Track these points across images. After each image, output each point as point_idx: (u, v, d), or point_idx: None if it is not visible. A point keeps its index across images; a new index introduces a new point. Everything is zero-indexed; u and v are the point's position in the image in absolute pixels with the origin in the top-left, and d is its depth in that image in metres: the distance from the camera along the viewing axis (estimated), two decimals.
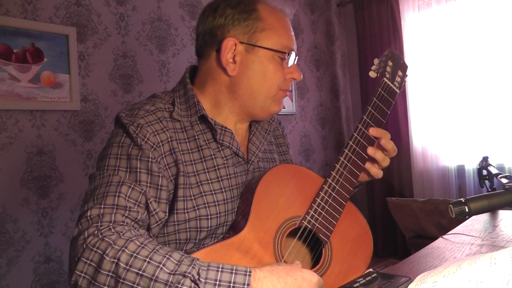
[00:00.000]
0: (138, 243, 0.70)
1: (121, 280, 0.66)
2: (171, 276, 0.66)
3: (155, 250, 0.70)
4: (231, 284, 0.67)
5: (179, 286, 0.66)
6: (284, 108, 3.53)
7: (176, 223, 0.85)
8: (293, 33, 0.98)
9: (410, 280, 0.70)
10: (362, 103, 3.89)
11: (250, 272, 0.69)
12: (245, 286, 0.68)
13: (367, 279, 0.75)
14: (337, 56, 4.12)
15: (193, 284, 0.66)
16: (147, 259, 0.68)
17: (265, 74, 0.92)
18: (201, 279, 0.67)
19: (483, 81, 3.11)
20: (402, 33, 3.52)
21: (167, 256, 0.69)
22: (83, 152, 2.32)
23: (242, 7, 0.92)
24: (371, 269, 0.92)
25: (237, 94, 0.94)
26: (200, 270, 0.67)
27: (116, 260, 0.67)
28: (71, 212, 2.25)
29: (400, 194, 3.57)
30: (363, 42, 3.79)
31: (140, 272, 0.67)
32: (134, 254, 0.68)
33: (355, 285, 0.73)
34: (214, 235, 0.89)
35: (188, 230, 0.86)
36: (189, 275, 0.66)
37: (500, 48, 3.03)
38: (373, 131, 0.97)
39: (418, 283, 0.64)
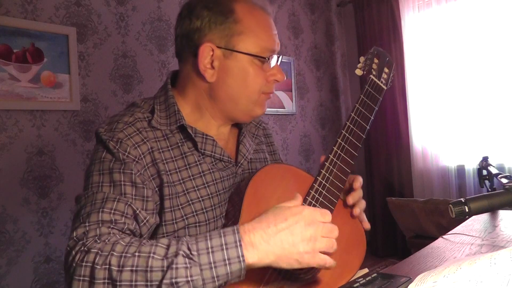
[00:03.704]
0: (124, 243, 0.68)
1: (118, 283, 0.65)
2: (164, 260, 0.64)
3: (142, 244, 0.68)
4: (223, 246, 0.66)
5: (174, 266, 0.64)
6: (284, 108, 3.53)
7: (165, 234, 0.83)
8: (274, 32, 0.92)
9: (410, 280, 0.70)
10: None
11: (237, 229, 0.68)
12: (238, 243, 0.66)
13: (367, 279, 0.75)
14: (337, 56, 4.12)
15: (187, 259, 0.64)
16: (136, 253, 0.66)
17: (245, 79, 0.88)
18: (193, 252, 0.65)
19: (483, 81, 3.11)
20: (402, 33, 3.52)
21: (155, 244, 0.67)
22: (83, 152, 2.32)
23: (218, 8, 0.87)
24: (366, 269, 0.92)
25: (217, 100, 0.91)
26: (189, 245, 0.66)
27: (107, 266, 0.65)
28: (71, 212, 2.25)
29: (400, 194, 3.57)
30: (363, 42, 3.79)
31: (134, 269, 0.65)
32: (123, 254, 0.66)
33: (355, 285, 0.73)
34: None
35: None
36: (181, 252, 0.65)
37: (500, 48, 3.03)
38: (349, 200, 0.95)
39: (418, 283, 0.64)
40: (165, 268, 0.64)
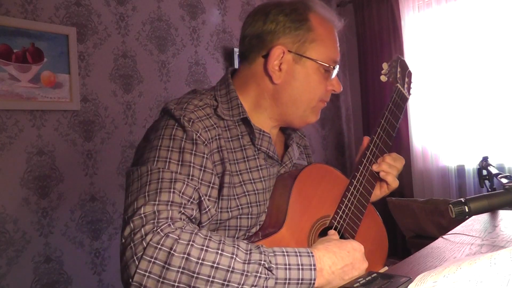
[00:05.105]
0: (203, 236, 0.70)
1: (195, 275, 0.66)
2: (246, 265, 0.68)
3: (222, 242, 0.70)
4: (300, 267, 0.72)
5: (257, 274, 0.68)
6: None
7: (218, 221, 0.85)
8: (338, 44, 0.98)
9: (410, 280, 0.70)
10: (362, 103, 3.88)
11: (312, 253, 0.74)
12: (312, 267, 0.72)
13: (367, 279, 0.75)
14: None
15: (267, 270, 0.69)
16: (219, 251, 0.68)
17: (309, 85, 0.93)
18: (272, 265, 0.70)
19: (483, 81, 3.11)
20: (402, 33, 3.52)
21: (236, 246, 0.70)
22: (83, 152, 2.32)
23: (294, 15, 0.92)
24: (386, 267, 0.95)
25: (279, 102, 0.95)
26: (269, 257, 0.70)
27: (186, 255, 0.66)
28: (71, 212, 2.25)
29: (400, 194, 3.56)
30: (363, 42, 3.78)
31: (215, 265, 0.67)
32: (204, 248, 0.68)
33: (355, 285, 0.73)
34: (249, 233, 0.91)
35: (227, 228, 0.86)
36: (264, 263, 0.69)
37: (500, 48, 3.03)
38: (376, 167, 1.02)
39: (418, 283, 0.64)
40: (246, 273, 0.67)
